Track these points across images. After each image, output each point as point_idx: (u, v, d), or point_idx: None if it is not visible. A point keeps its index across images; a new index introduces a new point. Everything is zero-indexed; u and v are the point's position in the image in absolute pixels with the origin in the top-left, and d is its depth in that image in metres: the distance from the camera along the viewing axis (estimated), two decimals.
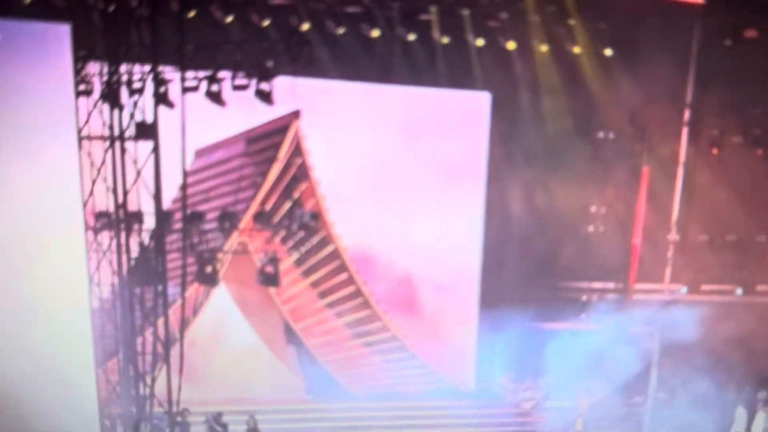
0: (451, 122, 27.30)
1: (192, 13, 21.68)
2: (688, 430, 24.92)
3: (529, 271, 27.62)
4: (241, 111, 23.27)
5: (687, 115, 27.62)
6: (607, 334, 26.67)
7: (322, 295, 27.13)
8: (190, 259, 23.69)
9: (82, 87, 20.94)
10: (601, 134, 27.67)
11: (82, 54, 20.63)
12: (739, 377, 27.00)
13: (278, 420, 25.35)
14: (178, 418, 22.89)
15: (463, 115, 27.35)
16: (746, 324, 26.53)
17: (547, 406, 27.53)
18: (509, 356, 27.10)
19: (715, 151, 26.51)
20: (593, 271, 27.66)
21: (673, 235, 27.78)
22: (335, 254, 26.83)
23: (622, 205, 27.80)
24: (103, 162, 21.03)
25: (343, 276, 26.97)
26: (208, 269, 23.85)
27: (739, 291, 26.94)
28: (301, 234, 25.98)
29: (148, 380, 22.36)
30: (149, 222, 21.93)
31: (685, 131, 27.71)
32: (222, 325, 26.54)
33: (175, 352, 22.60)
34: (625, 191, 27.62)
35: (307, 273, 26.95)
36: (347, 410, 26.30)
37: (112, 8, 19.78)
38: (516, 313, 26.60)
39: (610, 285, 27.89)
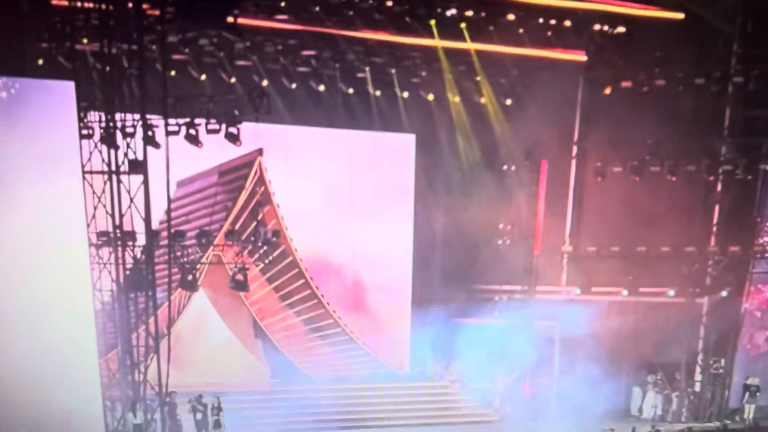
0: (384, 158, 27.39)
1: (173, 72, 21.81)
2: (587, 407, 24.88)
3: (451, 276, 27.83)
4: (213, 149, 23.12)
5: (575, 150, 27.72)
6: (517, 327, 26.88)
7: (283, 297, 27.07)
8: (175, 269, 23.53)
9: (84, 132, 21.04)
10: (505, 167, 27.76)
11: (84, 105, 20.77)
12: (629, 363, 27.13)
13: (248, 400, 25.35)
14: (167, 399, 22.74)
15: (393, 152, 27.45)
16: (632, 320, 26.62)
17: (470, 387, 27.47)
18: (437, 345, 27.06)
19: (599, 178, 26.29)
20: (503, 275, 27.64)
21: (567, 247, 27.79)
22: (293, 264, 26.80)
23: (524, 222, 27.70)
24: (103, 191, 21.26)
25: (300, 281, 26.95)
26: (189, 277, 23.81)
27: (624, 292, 26.67)
28: (265, 248, 25.50)
29: (142, 368, 22.38)
30: (141, 239, 21.91)
31: (573, 163, 27.72)
32: (201, 323, 26.35)
33: (163, 345, 22.56)
34: (526, 212, 27.58)
35: (270, 279, 26.82)
36: (305, 392, 26.04)
37: (108, 68, 20.08)
38: (442, 310, 26.82)
39: (517, 287, 27.91)
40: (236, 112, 22.23)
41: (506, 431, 25.20)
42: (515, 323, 26.85)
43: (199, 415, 23.29)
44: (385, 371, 27.44)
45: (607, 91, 26.09)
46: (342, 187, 27.06)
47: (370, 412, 25.58)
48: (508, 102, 26.38)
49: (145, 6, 19.76)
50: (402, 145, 27.05)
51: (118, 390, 22.19)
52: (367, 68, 24.27)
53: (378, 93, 24.78)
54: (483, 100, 26.30)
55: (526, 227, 27.60)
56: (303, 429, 24.57)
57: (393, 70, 24.74)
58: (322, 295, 27.14)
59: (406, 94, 25.29)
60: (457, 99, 26.15)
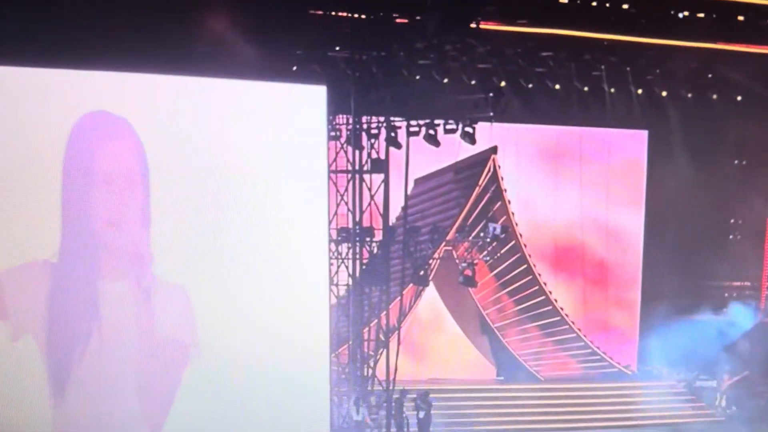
0: (615, 154, 28.55)
1: (417, 77, 23.44)
2: None
3: (680, 272, 27.80)
4: (450, 149, 24.74)
5: None
6: (745, 325, 27.67)
7: (511, 294, 28.11)
8: (408, 264, 25.26)
9: (332, 133, 23.09)
10: (736, 161, 28.48)
11: (333, 108, 22.55)
12: None
13: (474, 398, 26.58)
14: (395, 396, 23.82)
15: (624, 148, 28.62)
16: None
17: (696, 385, 28.09)
18: (665, 343, 27.37)
19: None
20: (732, 271, 28.33)
21: None
22: (521, 260, 27.78)
23: (755, 218, 28.30)
24: (346, 189, 23.46)
25: (527, 278, 27.93)
26: (421, 272, 25.44)
27: None
28: (494, 244, 26.49)
29: (371, 363, 23.92)
30: (378, 235, 23.94)
31: None
32: (430, 318, 27.63)
33: (393, 340, 24.07)
34: (758, 207, 28.09)
35: (498, 276, 27.92)
36: (531, 391, 27.17)
37: (357, 74, 22.36)
38: (670, 306, 27.22)
39: (747, 283, 28.40)
40: (473, 112, 23.65)
41: None
42: (744, 321, 27.66)
43: (421, 414, 24.14)
44: (613, 370, 28.21)
45: None
46: (574, 182, 28.28)
47: (598, 412, 26.40)
48: (739, 98, 27.01)
49: (394, 15, 21.72)
50: (634, 142, 28.10)
51: (347, 386, 23.66)
52: (603, 66, 25.50)
53: (612, 90, 25.98)
54: (714, 96, 26.99)
55: (757, 222, 28.12)
56: (529, 429, 25.69)
57: (628, 68, 25.87)
58: (550, 292, 28.14)
59: (640, 91, 26.38)
60: (690, 95, 26.90)
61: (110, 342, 21.04)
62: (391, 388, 23.88)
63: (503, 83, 24.60)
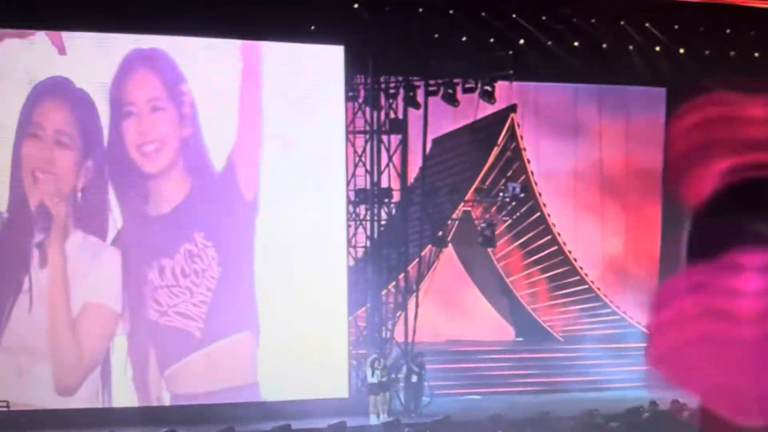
0: (635, 110, 29.31)
1: (436, 35, 23.90)
2: None
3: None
4: (469, 108, 25.48)
5: None
6: None
7: (530, 254, 28.91)
8: (426, 226, 25.72)
9: (350, 94, 23.61)
10: None
11: (350, 69, 23.17)
12: None
13: (492, 359, 27.38)
14: (417, 359, 23.96)
15: (643, 106, 29.21)
16: None
17: None
18: None
19: None
20: None
21: None
22: (541, 220, 28.54)
23: None
24: (364, 150, 24.07)
25: (547, 237, 28.74)
26: (440, 233, 26.04)
27: None
28: (513, 203, 27.24)
29: (389, 325, 24.44)
30: (396, 197, 24.54)
31: None
32: (448, 280, 28.04)
33: (411, 302, 24.69)
34: None
35: (517, 236, 28.69)
36: (550, 351, 27.95)
37: (375, 33, 22.85)
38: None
39: None
40: (493, 71, 24.26)
41: None
42: None
43: (414, 378, 23.88)
44: (633, 330, 28.35)
45: None
46: (593, 140, 29.12)
47: (615, 373, 26.61)
48: (756, 55, 26.72)
49: None
50: (652, 99, 28.56)
51: (365, 348, 24.13)
52: (622, 22, 25.78)
53: (631, 47, 26.40)
54: (732, 54, 26.82)
55: None
56: (547, 389, 26.32)
57: (647, 24, 26.11)
58: (570, 251, 28.91)
59: (658, 48, 26.62)
60: (708, 52, 26.84)
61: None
62: (409, 350, 24.37)
63: (522, 40, 25.09)
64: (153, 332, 22.43)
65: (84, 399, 22.07)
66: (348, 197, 23.87)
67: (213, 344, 22.62)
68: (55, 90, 22.06)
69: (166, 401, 22.49)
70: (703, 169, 2.72)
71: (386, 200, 24.47)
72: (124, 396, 22.30)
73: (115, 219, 22.44)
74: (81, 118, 22.21)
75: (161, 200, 22.65)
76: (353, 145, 23.98)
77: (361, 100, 24.01)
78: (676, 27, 26.17)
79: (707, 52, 26.79)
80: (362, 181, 24.33)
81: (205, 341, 22.58)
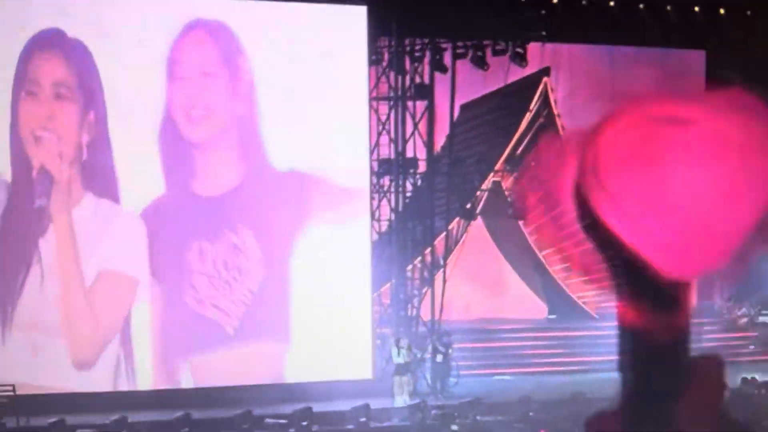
0: (672, 74, 28.17)
1: None
2: None
3: None
4: (499, 72, 25.01)
5: None
6: None
7: (561, 228, 29.02)
8: (453, 197, 25.22)
9: (373, 57, 22.96)
10: None
11: (373, 30, 22.50)
12: None
13: (523, 338, 26.75)
14: (444, 338, 23.57)
15: (682, 69, 28.26)
16: None
17: (758, 321, 28.43)
18: (725, 279, 28.26)
19: None
20: None
21: None
22: None
23: None
24: (388, 117, 23.46)
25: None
26: (468, 205, 25.60)
27: None
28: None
29: (415, 302, 23.99)
30: (422, 167, 24.05)
31: None
32: (477, 254, 27.38)
33: (438, 278, 24.27)
34: None
35: (549, 207, 28.92)
36: (584, 329, 26.91)
37: None
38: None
39: None
40: (524, 32, 23.76)
41: None
42: None
43: (439, 357, 23.54)
44: None
45: None
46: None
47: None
48: None
49: None
50: (691, 61, 27.95)
51: (390, 326, 23.71)
52: None
53: (669, 8, 25.74)
54: None
55: None
56: (581, 369, 25.60)
57: None
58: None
59: (697, 8, 25.94)
60: (749, 12, 26.23)
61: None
62: (436, 328, 23.88)
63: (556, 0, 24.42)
64: (185, 317, 21.82)
65: (102, 373, 21.48)
66: (371, 167, 23.31)
67: (244, 345, 22.16)
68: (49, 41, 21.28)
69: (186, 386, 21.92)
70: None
71: (411, 171, 23.97)
72: (142, 373, 21.69)
73: (155, 186, 21.76)
74: (79, 69, 21.40)
75: (211, 180, 22.05)
76: (377, 112, 23.42)
77: (385, 64, 23.42)
78: None
79: (749, 12, 25.91)
80: (386, 151, 23.78)
81: (236, 338, 22.09)
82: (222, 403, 20.62)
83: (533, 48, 24.36)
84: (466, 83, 24.68)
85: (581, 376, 24.86)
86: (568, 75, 27.58)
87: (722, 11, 25.90)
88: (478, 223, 27.30)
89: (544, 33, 24.03)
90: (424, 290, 24.32)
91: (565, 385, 22.12)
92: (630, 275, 2.44)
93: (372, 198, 23.44)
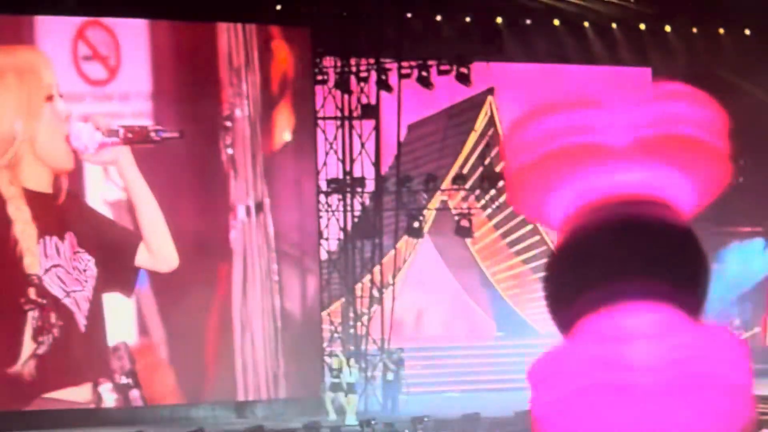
0: (618, 92, 29.05)
1: (409, 14, 23.47)
2: None
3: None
4: (445, 92, 25.01)
5: None
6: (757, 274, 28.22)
7: (511, 244, 28.21)
8: (401, 216, 25.12)
9: (319, 77, 23.13)
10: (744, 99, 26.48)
11: (319, 51, 22.74)
12: None
13: (470, 356, 26.83)
14: (393, 356, 23.69)
15: (627, 87, 27.00)
16: None
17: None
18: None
19: None
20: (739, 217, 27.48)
21: None
22: None
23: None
24: (335, 137, 23.53)
25: (528, 227, 27.73)
26: (416, 224, 25.36)
27: None
28: (493, 192, 26.05)
29: (365, 320, 23.98)
30: (370, 186, 24.12)
31: None
32: (425, 272, 27.51)
33: (387, 296, 24.34)
34: None
35: (497, 225, 27.96)
36: (532, 346, 25.83)
37: (344, 13, 22.45)
38: None
39: (758, 229, 28.51)
40: (467, 52, 23.73)
41: None
42: (757, 268, 28.19)
43: (390, 375, 23.68)
44: None
45: None
46: None
47: None
48: (747, 32, 26.89)
49: None
50: (637, 79, 27.17)
51: (339, 345, 23.78)
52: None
53: (614, 25, 26.06)
54: (721, 31, 26.82)
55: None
56: (527, 386, 26.15)
57: (630, 1, 25.76)
58: (552, 241, 28.46)
59: (642, 26, 26.53)
60: (695, 30, 26.82)
61: None
62: (386, 347, 24.05)
63: (500, 20, 24.69)
64: None
65: None
66: (319, 187, 23.52)
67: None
68: None
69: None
70: (558, 189, 2.51)
71: (359, 190, 24.10)
72: None
73: None
74: None
75: None
76: (324, 131, 23.58)
77: (331, 84, 23.50)
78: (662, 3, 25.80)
79: (694, 30, 26.25)
80: (334, 170, 23.88)
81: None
82: (174, 422, 20.82)
83: (478, 67, 24.35)
84: (412, 103, 24.82)
85: (528, 393, 24.98)
86: (514, 94, 27.22)
87: (668, 28, 26.18)
88: (427, 241, 27.35)
89: (487, 53, 24.11)
90: (373, 309, 24.46)
91: (513, 402, 21.38)
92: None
93: (320, 217, 23.58)
